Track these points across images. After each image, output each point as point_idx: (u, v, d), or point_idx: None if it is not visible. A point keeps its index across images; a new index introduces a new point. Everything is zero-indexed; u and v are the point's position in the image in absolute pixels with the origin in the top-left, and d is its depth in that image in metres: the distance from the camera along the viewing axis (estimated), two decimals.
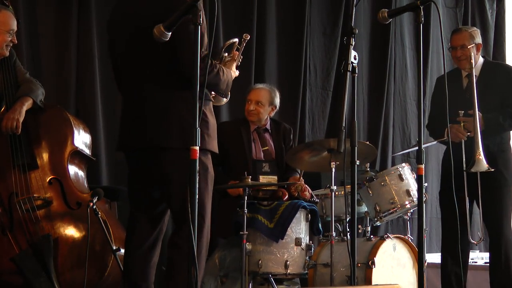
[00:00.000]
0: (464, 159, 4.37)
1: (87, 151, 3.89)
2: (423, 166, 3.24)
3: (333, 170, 4.30)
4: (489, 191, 4.47)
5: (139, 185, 3.25)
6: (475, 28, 4.76)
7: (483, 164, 4.28)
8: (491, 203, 4.50)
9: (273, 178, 4.77)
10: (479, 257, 5.59)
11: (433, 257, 5.43)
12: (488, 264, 4.76)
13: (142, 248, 3.20)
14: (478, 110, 4.36)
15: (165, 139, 3.10)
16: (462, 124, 4.44)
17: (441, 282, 4.66)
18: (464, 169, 4.34)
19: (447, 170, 4.53)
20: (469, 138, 4.42)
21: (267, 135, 4.97)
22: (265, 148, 4.92)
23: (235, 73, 3.55)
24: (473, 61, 4.51)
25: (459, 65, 4.65)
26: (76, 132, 3.81)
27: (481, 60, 4.63)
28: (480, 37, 4.68)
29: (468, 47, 4.55)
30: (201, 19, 2.74)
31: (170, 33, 2.80)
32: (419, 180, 3.29)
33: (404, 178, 4.64)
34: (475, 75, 4.52)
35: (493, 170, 4.33)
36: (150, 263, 3.23)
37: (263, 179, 4.72)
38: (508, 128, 4.61)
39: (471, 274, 5.36)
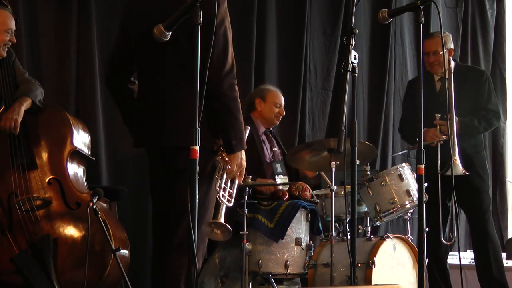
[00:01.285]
0: (439, 162, 4.41)
1: (86, 151, 3.89)
2: (423, 166, 3.24)
3: (333, 170, 4.31)
4: (468, 193, 4.54)
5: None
6: (447, 33, 4.83)
7: (458, 168, 4.36)
8: (471, 204, 4.58)
9: (286, 179, 4.83)
10: None
11: None
12: None
13: None
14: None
15: (182, 138, 3.08)
16: (438, 128, 4.49)
17: (429, 282, 4.69)
18: (439, 171, 4.38)
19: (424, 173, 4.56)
20: (445, 141, 4.47)
21: (272, 137, 5.04)
22: (274, 149, 4.98)
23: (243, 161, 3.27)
24: (452, 65, 4.56)
25: (432, 70, 4.72)
26: (75, 132, 3.81)
27: (452, 64, 4.68)
28: (452, 42, 4.75)
29: (441, 53, 4.59)
30: (200, 20, 2.75)
31: (170, 33, 2.80)
32: (419, 180, 3.30)
33: (404, 178, 4.64)
34: (447, 79, 4.56)
35: (467, 174, 4.39)
36: None
37: (278, 179, 4.77)
38: (483, 130, 4.73)
39: (471, 274, 5.37)
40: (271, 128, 5.06)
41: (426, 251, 4.70)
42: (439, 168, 4.39)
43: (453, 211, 4.60)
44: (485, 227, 4.59)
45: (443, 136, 4.48)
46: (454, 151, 4.34)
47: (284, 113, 5.06)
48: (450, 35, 4.82)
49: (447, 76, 4.56)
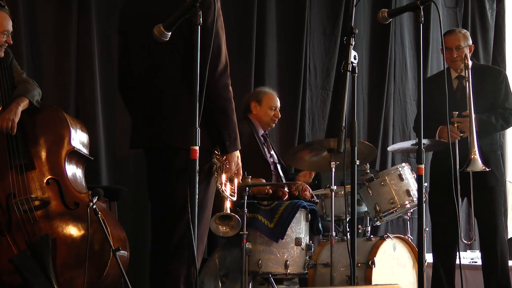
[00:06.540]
0: (457, 160, 4.40)
1: (84, 150, 3.88)
2: (423, 166, 3.24)
3: (333, 170, 4.30)
4: (481, 191, 4.52)
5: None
6: (465, 30, 4.81)
7: (478, 164, 4.33)
8: (484, 203, 4.55)
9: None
10: (479, 257, 5.58)
11: None
12: None
13: None
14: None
15: (179, 138, 3.08)
16: (456, 125, 4.48)
17: (431, 282, 4.68)
18: (458, 169, 4.37)
19: (440, 171, 4.55)
20: (462, 138, 4.46)
21: (268, 140, 5.05)
22: (271, 153, 4.99)
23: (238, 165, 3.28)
24: (469, 62, 4.53)
25: (453, 66, 4.68)
26: (73, 131, 3.80)
27: (470, 62, 4.66)
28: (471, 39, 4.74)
29: (463, 47, 4.58)
30: (200, 20, 2.74)
31: (170, 33, 2.80)
32: (419, 180, 3.29)
33: (404, 178, 4.64)
34: (466, 77, 4.55)
35: (488, 170, 4.37)
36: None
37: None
38: (500, 128, 4.70)
39: (471, 274, 5.37)
40: (267, 132, 5.06)
41: (434, 250, 4.71)
42: (458, 164, 4.38)
43: (473, 209, 4.58)
44: (495, 227, 4.57)
45: (461, 134, 4.48)
46: (474, 147, 4.33)
47: (280, 116, 5.07)
48: (468, 32, 4.81)
49: (466, 76, 4.54)
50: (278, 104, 5.05)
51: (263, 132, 5.01)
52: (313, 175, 5.07)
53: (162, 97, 3.13)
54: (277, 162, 4.99)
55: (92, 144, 4.25)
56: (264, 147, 4.93)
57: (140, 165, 4.39)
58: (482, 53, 7.39)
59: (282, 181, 4.87)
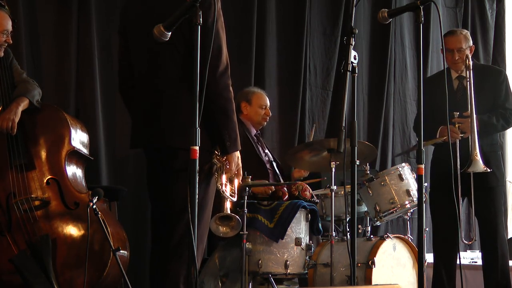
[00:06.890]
0: (458, 160, 4.40)
1: (84, 150, 3.88)
2: (423, 166, 3.24)
3: (333, 170, 4.31)
4: (482, 191, 4.51)
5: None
6: (466, 31, 4.80)
7: (480, 164, 4.33)
8: (484, 203, 4.55)
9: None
10: (479, 257, 5.58)
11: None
12: None
13: None
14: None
15: (179, 138, 3.09)
16: (457, 125, 4.48)
17: (432, 282, 4.68)
18: (459, 169, 4.36)
19: (441, 171, 4.55)
20: (462, 138, 4.46)
21: (261, 139, 5.05)
22: (266, 151, 4.98)
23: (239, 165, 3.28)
24: (471, 62, 4.53)
25: (454, 68, 4.67)
26: (73, 131, 3.80)
27: (470, 62, 4.65)
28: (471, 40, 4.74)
29: (465, 49, 4.58)
30: (200, 20, 2.74)
31: (170, 33, 2.80)
32: (419, 180, 3.29)
33: (404, 178, 4.64)
34: (467, 78, 4.54)
35: (490, 170, 4.37)
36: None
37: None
38: (501, 128, 4.69)
39: (471, 274, 5.37)
40: (258, 131, 5.07)
41: (435, 251, 4.71)
42: (458, 165, 4.37)
43: (473, 210, 4.58)
44: (495, 227, 4.57)
45: (461, 134, 4.48)
46: (475, 148, 4.33)
47: (270, 114, 5.07)
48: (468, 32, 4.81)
49: (467, 76, 4.53)
50: (268, 102, 5.06)
51: (255, 131, 5.00)
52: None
53: (162, 97, 3.13)
54: (272, 160, 4.98)
55: (92, 144, 4.25)
56: (258, 146, 4.93)
57: (140, 165, 4.39)
58: (482, 53, 7.39)
59: (279, 178, 4.87)
